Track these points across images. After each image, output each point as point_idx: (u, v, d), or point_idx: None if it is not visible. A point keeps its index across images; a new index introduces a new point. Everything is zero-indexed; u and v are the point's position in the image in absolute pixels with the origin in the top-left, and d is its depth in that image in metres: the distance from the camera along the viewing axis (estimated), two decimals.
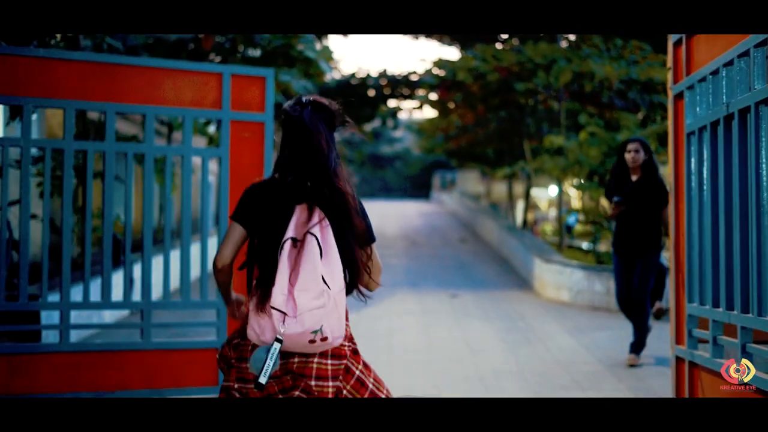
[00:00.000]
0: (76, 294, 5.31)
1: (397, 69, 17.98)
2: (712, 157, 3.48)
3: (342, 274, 2.20)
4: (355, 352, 2.35)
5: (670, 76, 4.04)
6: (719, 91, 3.40)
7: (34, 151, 6.30)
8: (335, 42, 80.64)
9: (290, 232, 2.19)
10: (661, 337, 6.17)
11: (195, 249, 4.79)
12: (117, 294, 4.82)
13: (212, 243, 4.97)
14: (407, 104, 20.06)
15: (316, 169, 2.26)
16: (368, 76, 16.67)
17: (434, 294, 10.22)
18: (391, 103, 18.67)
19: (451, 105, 16.86)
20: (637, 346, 5.87)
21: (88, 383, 4.25)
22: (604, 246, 11.08)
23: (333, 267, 2.18)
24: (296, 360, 2.22)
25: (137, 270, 5.78)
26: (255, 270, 2.31)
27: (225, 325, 4.46)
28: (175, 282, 5.96)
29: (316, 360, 2.23)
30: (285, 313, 2.12)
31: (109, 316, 7.30)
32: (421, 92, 16.91)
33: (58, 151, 4.74)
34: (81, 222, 6.36)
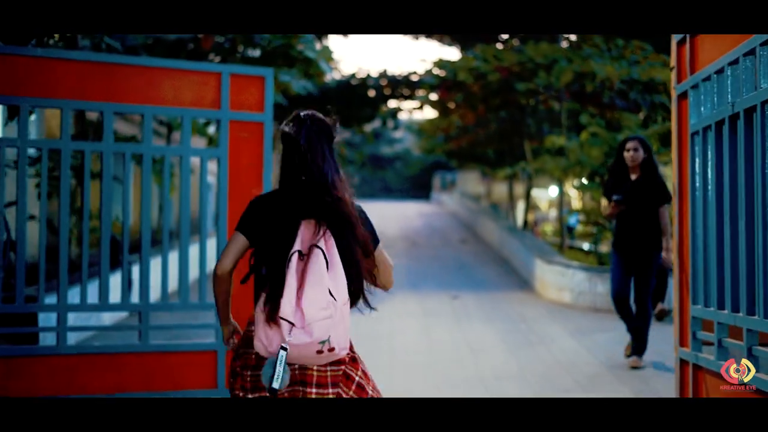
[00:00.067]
0: (73, 296, 5.28)
1: (397, 69, 18.00)
2: (717, 157, 3.44)
3: (347, 288, 2.25)
4: (353, 360, 2.41)
5: (673, 75, 3.99)
6: (724, 91, 3.35)
7: (32, 151, 6.25)
8: (335, 42, 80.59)
9: (297, 246, 2.24)
10: (663, 339, 6.13)
11: (194, 250, 4.75)
12: (115, 296, 4.79)
13: (211, 244, 4.93)
14: (407, 105, 20.00)
15: (316, 185, 2.34)
16: (368, 76, 16.62)
17: (435, 295, 10.19)
18: (392, 103, 18.63)
19: (452, 105, 16.82)
20: (638, 349, 5.81)
21: (85, 386, 4.22)
22: (606, 247, 11.04)
23: (338, 280, 2.23)
24: (297, 368, 2.27)
25: (135, 271, 5.75)
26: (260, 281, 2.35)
27: None
28: (173, 283, 5.92)
29: (315, 367, 2.29)
30: (293, 324, 2.16)
31: (107, 318, 7.27)
32: (421, 92, 16.88)
33: (56, 152, 4.70)
34: (79, 223, 6.33)
